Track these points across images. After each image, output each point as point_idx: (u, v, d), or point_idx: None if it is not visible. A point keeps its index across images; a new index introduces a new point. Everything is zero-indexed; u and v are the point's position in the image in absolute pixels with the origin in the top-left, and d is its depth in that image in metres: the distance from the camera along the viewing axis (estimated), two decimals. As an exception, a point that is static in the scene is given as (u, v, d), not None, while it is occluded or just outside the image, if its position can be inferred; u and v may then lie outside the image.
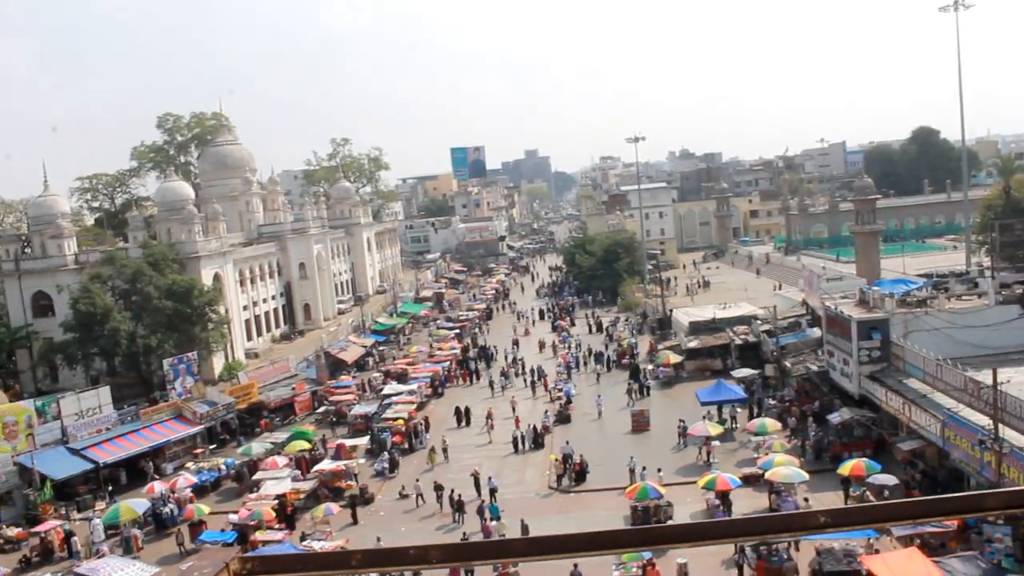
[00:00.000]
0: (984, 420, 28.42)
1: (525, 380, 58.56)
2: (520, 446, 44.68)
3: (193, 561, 2.81)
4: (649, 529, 3.07)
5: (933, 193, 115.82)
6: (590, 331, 73.49)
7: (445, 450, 44.51)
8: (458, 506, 36.54)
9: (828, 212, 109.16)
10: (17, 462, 42.10)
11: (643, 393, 51.90)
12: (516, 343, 70.04)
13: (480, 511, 35.37)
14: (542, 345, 68.99)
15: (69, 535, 37.03)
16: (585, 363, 61.75)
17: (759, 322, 55.64)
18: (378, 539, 32.73)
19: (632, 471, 37.74)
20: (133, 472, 45.37)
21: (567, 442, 42.34)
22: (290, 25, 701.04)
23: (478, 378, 61.65)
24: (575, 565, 26.82)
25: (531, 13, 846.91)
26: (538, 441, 44.96)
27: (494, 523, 33.90)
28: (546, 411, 49.70)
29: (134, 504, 38.04)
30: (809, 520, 2.60)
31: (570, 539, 2.78)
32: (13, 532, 38.46)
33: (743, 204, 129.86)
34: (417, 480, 40.14)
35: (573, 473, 40.09)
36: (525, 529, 31.28)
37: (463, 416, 50.57)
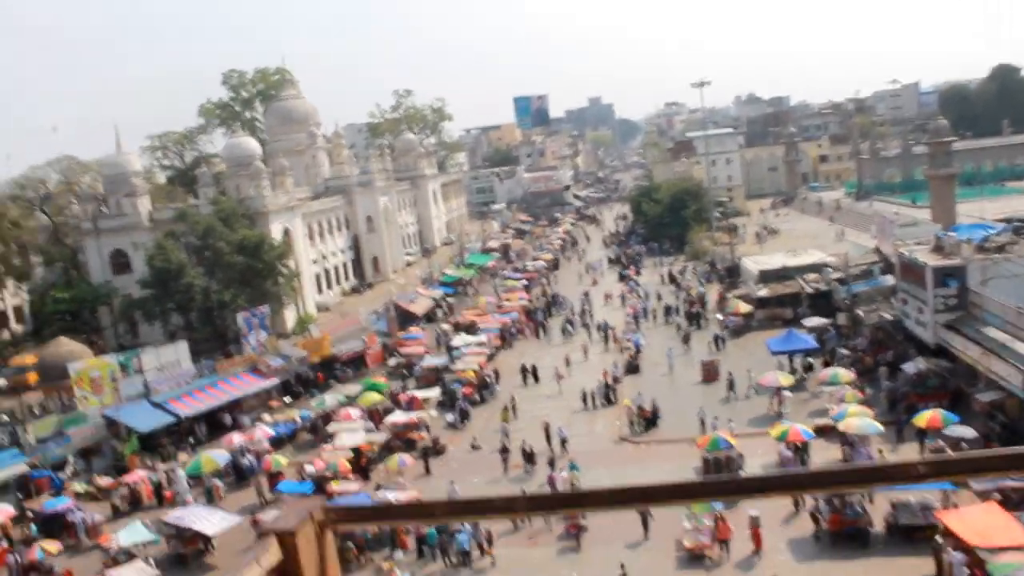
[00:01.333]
0: (1067, 370, 27.71)
1: (590, 332, 58.35)
2: (589, 403, 44.00)
3: (277, 509, 2.89)
4: (732, 480, 3.10)
5: (1013, 134, 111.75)
6: (662, 281, 72.52)
7: (514, 407, 44.02)
8: (528, 457, 36.92)
9: (901, 156, 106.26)
10: (104, 415, 43.72)
11: (719, 345, 51.02)
12: (587, 294, 69.23)
13: (551, 462, 35.74)
14: (608, 297, 68.68)
15: (158, 485, 38.46)
16: (654, 315, 61.16)
17: (830, 270, 54.70)
18: (451, 482, 33.65)
19: (703, 421, 37.72)
20: (212, 424, 46.65)
21: (639, 393, 42.42)
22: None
23: (545, 332, 61.21)
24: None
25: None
26: (609, 398, 44.33)
27: (564, 474, 34.13)
28: (615, 362, 49.74)
29: (215, 456, 39.21)
30: (908, 471, 2.57)
31: (652, 490, 2.77)
32: (104, 482, 39.95)
33: (812, 149, 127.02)
34: (505, 422, 40.92)
35: (643, 420, 40.32)
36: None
37: (530, 372, 50.02)
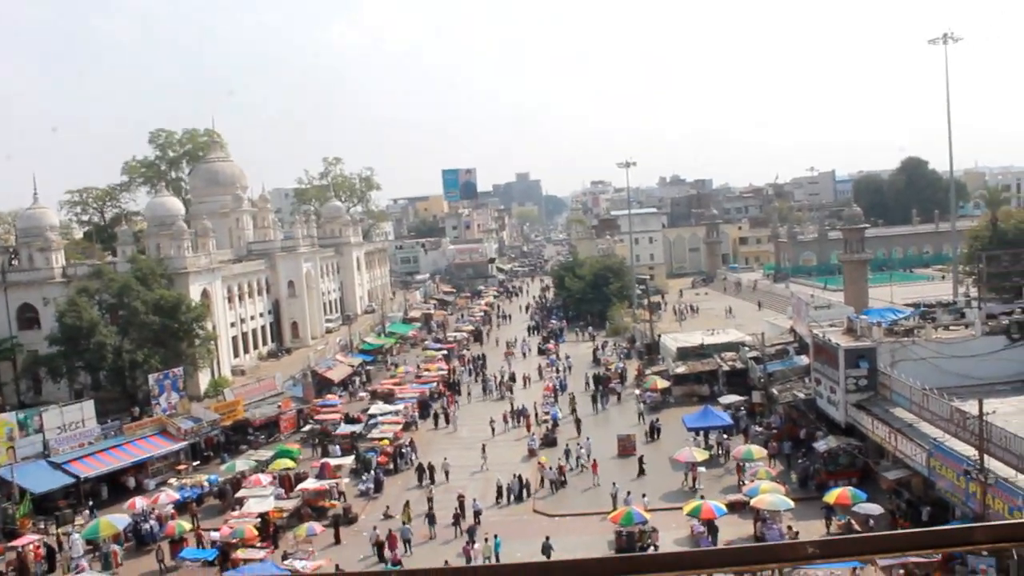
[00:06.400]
0: (970, 451, 28.44)
1: (511, 407, 55.65)
2: (503, 499, 40.93)
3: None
4: (634, 557, 3.06)
5: (921, 223, 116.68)
6: (591, 361, 70.25)
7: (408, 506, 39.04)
8: (455, 519, 36.66)
9: (817, 240, 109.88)
10: (-4, 475, 41.68)
11: (652, 435, 48.59)
12: (512, 376, 65.74)
13: (470, 531, 35.26)
14: (527, 380, 65.54)
15: (50, 550, 36.63)
16: (571, 397, 57.51)
17: (747, 348, 55.68)
18: (404, 522, 35.91)
19: (614, 496, 37.62)
20: (115, 487, 44.92)
21: (550, 468, 42.34)
22: (287, 44, 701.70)
23: (447, 421, 55.92)
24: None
25: (525, 41, 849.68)
26: (521, 495, 41.03)
27: (478, 545, 33.67)
28: (532, 434, 49.45)
29: (114, 520, 37.62)
30: (797, 551, 2.57)
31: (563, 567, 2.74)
32: (-10, 546, 37.96)
33: (733, 231, 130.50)
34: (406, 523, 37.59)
35: (560, 477, 41.79)
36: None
37: (426, 472, 44.14)
